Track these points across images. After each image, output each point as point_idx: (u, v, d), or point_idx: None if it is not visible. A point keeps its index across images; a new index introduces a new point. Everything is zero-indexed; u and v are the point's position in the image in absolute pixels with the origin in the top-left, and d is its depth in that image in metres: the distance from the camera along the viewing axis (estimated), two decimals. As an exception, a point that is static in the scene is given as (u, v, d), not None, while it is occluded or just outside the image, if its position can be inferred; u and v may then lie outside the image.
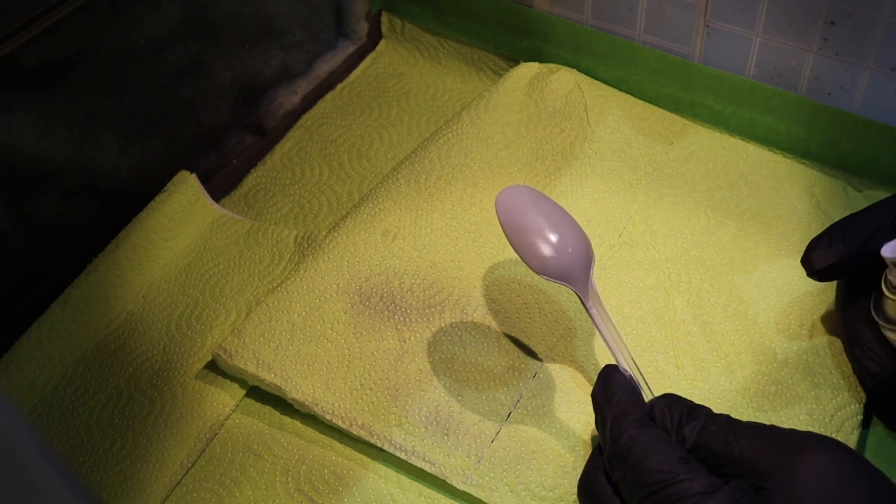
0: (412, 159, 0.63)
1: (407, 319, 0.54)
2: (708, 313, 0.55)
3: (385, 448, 0.49)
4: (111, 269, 0.60)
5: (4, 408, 0.21)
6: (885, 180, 0.62)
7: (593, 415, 0.46)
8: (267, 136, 0.72)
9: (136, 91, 0.61)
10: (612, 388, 0.45)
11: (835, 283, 0.54)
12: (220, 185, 0.68)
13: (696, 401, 0.45)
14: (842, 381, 0.51)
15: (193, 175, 0.65)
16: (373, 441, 0.49)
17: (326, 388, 0.51)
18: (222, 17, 0.66)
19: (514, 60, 0.74)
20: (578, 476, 0.46)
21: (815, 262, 0.50)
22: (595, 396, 0.46)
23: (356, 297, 0.55)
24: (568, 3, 0.69)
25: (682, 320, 0.55)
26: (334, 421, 0.50)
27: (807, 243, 0.51)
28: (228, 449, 0.51)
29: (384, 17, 0.79)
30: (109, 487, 0.50)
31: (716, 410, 0.44)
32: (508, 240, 0.48)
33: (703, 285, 0.57)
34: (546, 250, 0.47)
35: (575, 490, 0.47)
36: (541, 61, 0.71)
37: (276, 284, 0.58)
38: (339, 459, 0.50)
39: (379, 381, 0.51)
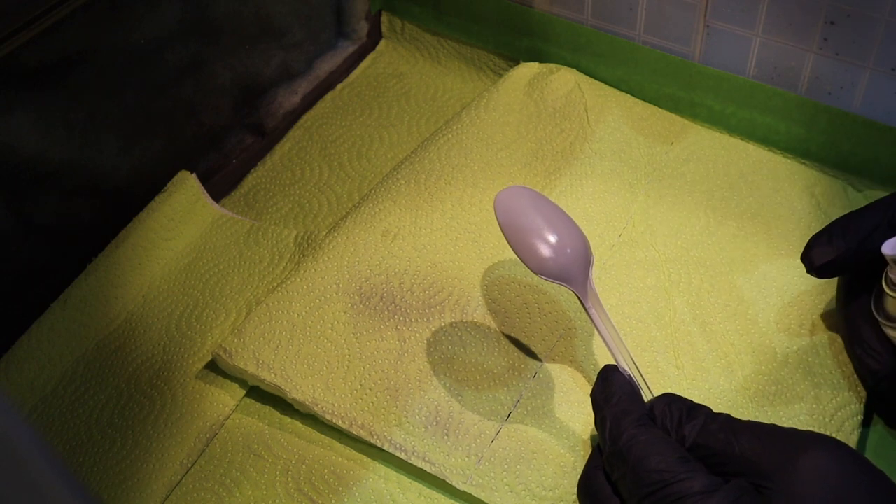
0: (412, 159, 0.63)
1: (407, 319, 0.54)
2: (708, 313, 0.55)
3: (385, 448, 0.49)
4: (111, 269, 0.60)
5: (4, 408, 0.21)
6: (885, 180, 0.62)
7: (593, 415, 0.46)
8: (267, 136, 0.72)
9: (136, 91, 0.61)
10: (612, 389, 0.45)
11: (835, 282, 0.54)
12: (220, 185, 0.68)
13: (696, 401, 0.45)
14: (842, 380, 0.51)
15: (193, 175, 0.65)
16: (373, 441, 0.49)
17: (326, 388, 0.51)
18: (222, 17, 0.66)
19: (514, 60, 0.74)
20: (578, 476, 0.46)
21: (815, 258, 0.50)
22: (594, 396, 0.46)
23: (356, 297, 0.55)
24: (568, 3, 0.69)
25: (682, 320, 0.55)
26: (334, 421, 0.50)
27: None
28: (228, 449, 0.51)
29: (384, 17, 0.79)
30: (109, 487, 0.50)
31: (716, 410, 0.44)
32: (507, 240, 0.48)
33: (703, 285, 0.57)
34: (545, 251, 0.47)
35: (575, 490, 0.47)
36: (541, 61, 0.71)
37: (276, 284, 0.58)
38: (339, 459, 0.50)
39: (379, 381, 0.51)
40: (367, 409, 0.50)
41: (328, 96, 0.75)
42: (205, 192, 0.65)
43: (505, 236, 0.48)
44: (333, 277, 0.56)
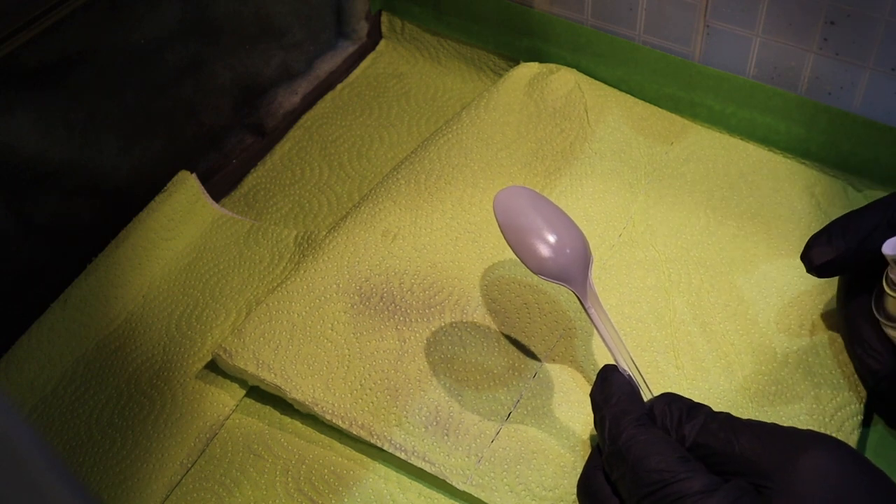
0: (412, 159, 0.63)
1: (407, 319, 0.54)
2: (708, 313, 0.55)
3: (385, 448, 0.49)
4: (111, 269, 0.60)
5: (4, 408, 0.21)
6: (885, 180, 0.62)
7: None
8: (267, 136, 0.72)
9: (136, 91, 0.61)
10: (611, 389, 0.45)
11: (835, 282, 0.54)
12: (220, 185, 0.68)
13: (696, 400, 0.45)
14: (842, 380, 0.51)
15: (193, 175, 0.65)
16: (373, 441, 0.49)
17: (326, 388, 0.51)
18: (222, 17, 0.66)
19: (514, 60, 0.74)
20: (578, 476, 0.46)
21: (815, 258, 0.50)
22: (594, 397, 0.46)
23: (356, 297, 0.55)
24: (568, 3, 0.69)
25: (682, 320, 0.55)
26: (334, 421, 0.50)
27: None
28: (228, 449, 0.51)
29: (384, 17, 0.79)
30: (109, 487, 0.50)
31: (716, 410, 0.44)
32: (507, 241, 0.48)
33: (703, 285, 0.57)
34: (544, 251, 0.47)
35: (575, 490, 0.47)
36: (541, 61, 0.71)
37: (276, 284, 0.58)
38: (339, 459, 0.50)
39: (379, 381, 0.51)
40: (367, 409, 0.50)
41: (328, 96, 0.75)
42: (205, 192, 0.65)
43: (504, 236, 0.48)
44: (333, 277, 0.56)
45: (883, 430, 0.51)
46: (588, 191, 0.62)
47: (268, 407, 0.53)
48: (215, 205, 0.65)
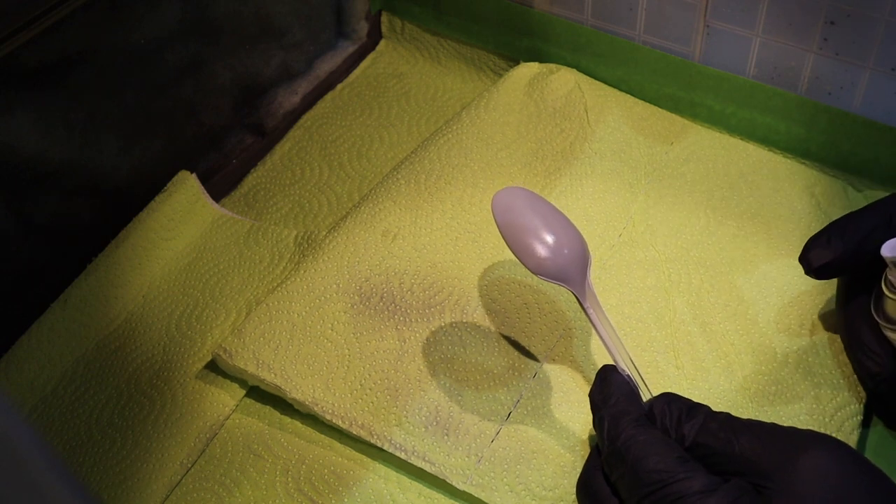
0: (412, 159, 0.63)
1: (407, 319, 0.54)
2: (708, 313, 0.55)
3: (385, 448, 0.49)
4: (111, 269, 0.60)
5: (4, 408, 0.21)
6: (885, 180, 0.62)
7: (593, 415, 0.46)
8: (267, 136, 0.72)
9: (136, 91, 0.61)
10: (610, 389, 0.45)
11: (835, 282, 0.54)
12: (220, 185, 0.68)
13: (696, 400, 0.45)
14: (842, 380, 0.51)
15: (193, 175, 0.65)
16: (373, 441, 0.49)
17: (326, 388, 0.51)
18: (222, 17, 0.66)
19: (514, 60, 0.74)
20: (578, 476, 0.46)
21: (813, 259, 0.50)
22: (593, 397, 0.46)
23: (356, 297, 0.55)
24: (568, 3, 0.69)
25: (682, 320, 0.55)
26: (334, 421, 0.50)
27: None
28: (228, 449, 0.51)
29: (384, 17, 0.79)
30: (109, 487, 0.50)
31: (716, 410, 0.44)
32: (505, 241, 0.48)
33: (703, 285, 0.57)
34: (542, 251, 0.47)
35: (574, 490, 0.47)
36: (541, 61, 0.71)
37: (276, 284, 0.58)
38: (339, 459, 0.50)
39: (379, 381, 0.51)
40: (367, 409, 0.50)
41: (328, 96, 0.75)
42: (205, 192, 0.65)
43: (503, 236, 0.48)
44: (333, 277, 0.56)
45: (883, 431, 0.51)
46: (588, 191, 0.62)
47: (268, 407, 0.53)
48: (215, 205, 0.65)
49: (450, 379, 0.51)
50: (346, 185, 0.67)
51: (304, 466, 0.50)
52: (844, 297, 0.51)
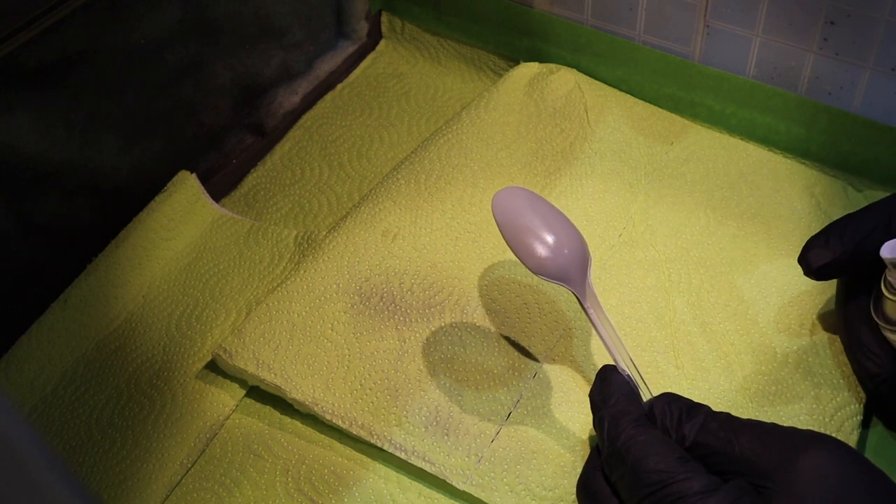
0: (412, 159, 0.63)
1: (407, 319, 0.54)
2: (708, 313, 0.55)
3: (385, 448, 0.49)
4: (111, 269, 0.60)
5: (4, 408, 0.21)
6: (885, 180, 0.62)
7: (593, 415, 0.46)
8: (267, 136, 0.72)
9: (136, 91, 0.61)
10: (610, 389, 0.45)
11: (835, 282, 0.54)
12: (220, 185, 0.68)
13: (696, 400, 0.45)
14: (842, 380, 0.51)
15: (193, 175, 0.65)
16: (373, 441, 0.49)
17: (326, 388, 0.51)
18: (222, 17, 0.66)
19: (514, 60, 0.74)
20: (578, 476, 0.46)
21: (812, 260, 0.50)
22: (593, 397, 0.46)
23: (356, 297, 0.55)
24: (568, 3, 0.69)
25: (682, 320, 0.55)
26: (334, 421, 0.50)
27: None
28: (228, 449, 0.51)
29: (384, 17, 0.79)
30: (109, 487, 0.50)
31: (716, 410, 0.44)
32: (505, 241, 0.48)
33: (703, 285, 0.57)
34: (542, 251, 0.47)
35: (574, 490, 0.47)
36: (541, 61, 0.71)
37: (276, 284, 0.58)
38: (339, 459, 0.50)
39: (379, 381, 0.51)
40: (367, 409, 0.50)
41: (328, 96, 0.75)
42: (205, 192, 0.65)
43: (503, 237, 0.48)
44: (333, 277, 0.56)
45: (883, 431, 0.51)
46: (588, 191, 0.62)
47: (268, 407, 0.53)
48: (215, 205, 0.65)
49: (450, 379, 0.51)
50: (346, 185, 0.67)
51: (304, 466, 0.50)
52: (844, 298, 0.51)
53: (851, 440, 0.49)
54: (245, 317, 0.57)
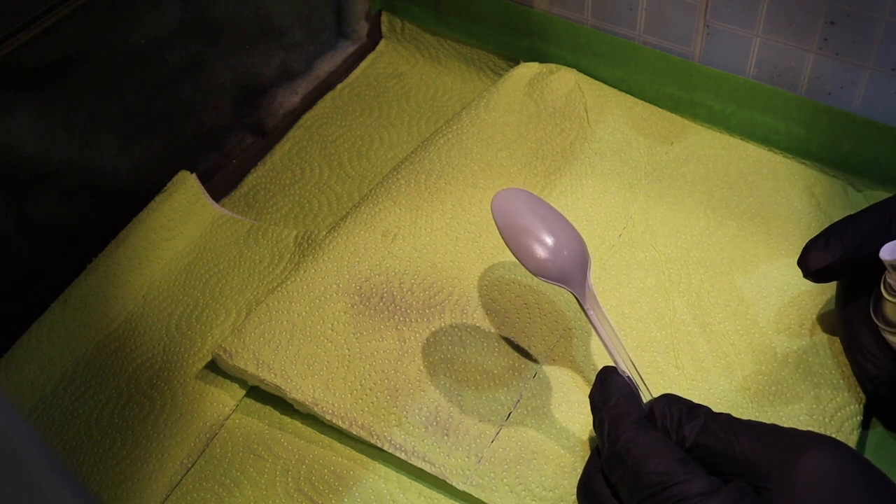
0: (412, 159, 0.63)
1: (407, 319, 0.54)
2: (708, 313, 0.55)
3: (385, 448, 0.49)
4: (111, 269, 0.60)
5: (4, 408, 0.21)
6: (885, 180, 0.62)
7: (593, 415, 0.46)
8: (267, 136, 0.72)
9: (136, 91, 0.61)
10: (610, 390, 0.45)
11: (835, 283, 0.53)
12: (220, 185, 0.68)
13: (696, 401, 0.45)
14: (842, 381, 0.51)
15: (193, 175, 0.65)
16: (373, 441, 0.49)
17: (326, 388, 0.51)
18: (222, 17, 0.66)
19: (514, 60, 0.74)
20: (578, 476, 0.46)
21: (812, 263, 0.50)
22: (593, 398, 0.46)
23: (356, 297, 0.55)
24: (568, 3, 0.69)
25: (682, 320, 0.55)
26: (334, 421, 0.50)
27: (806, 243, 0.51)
28: (228, 449, 0.51)
29: (384, 17, 0.79)
30: (109, 487, 0.50)
31: (716, 410, 0.44)
32: (505, 242, 0.48)
33: (703, 285, 0.57)
34: (542, 252, 0.47)
35: (575, 490, 0.47)
36: (541, 61, 0.71)
37: (276, 284, 0.58)
38: (339, 459, 0.50)
39: (379, 381, 0.51)
40: (367, 409, 0.50)
41: (328, 96, 0.75)
42: (205, 192, 0.65)
43: (503, 238, 0.48)
44: (333, 277, 0.56)
45: (882, 431, 0.51)
46: (588, 191, 0.62)
47: (268, 407, 0.53)
48: (215, 205, 0.65)
49: (450, 379, 0.51)
50: (346, 185, 0.67)
51: (304, 466, 0.50)
52: (844, 300, 0.51)
53: (851, 440, 0.49)
54: (245, 317, 0.57)
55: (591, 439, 0.49)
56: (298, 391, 0.51)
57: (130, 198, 0.63)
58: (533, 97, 0.68)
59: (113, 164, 0.62)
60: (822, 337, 0.53)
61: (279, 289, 0.56)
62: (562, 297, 0.56)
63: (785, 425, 0.42)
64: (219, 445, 0.52)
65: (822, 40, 0.60)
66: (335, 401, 0.51)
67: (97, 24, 0.57)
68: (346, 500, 0.49)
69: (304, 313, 0.54)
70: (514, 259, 0.56)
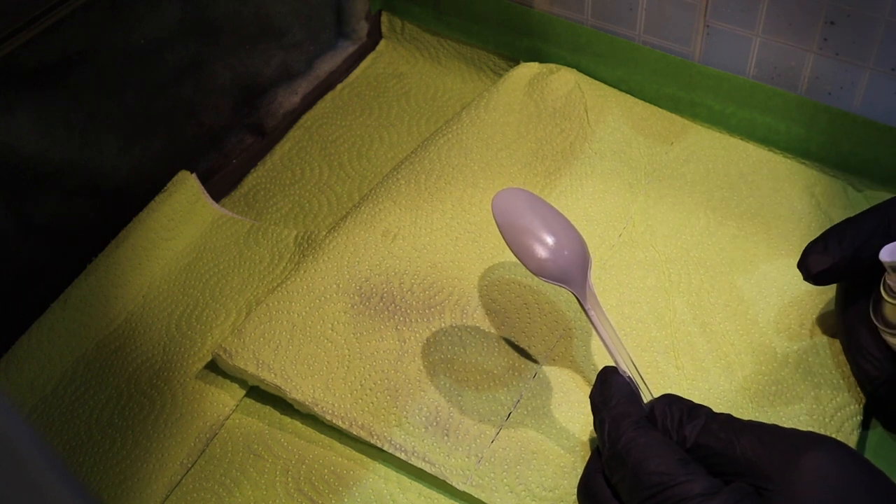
0: (412, 159, 0.63)
1: (407, 319, 0.54)
2: (708, 313, 0.55)
3: (385, 448, 0.49)
4: (111, 269, 0.60)
5: (4, 408, 0.21)
6: (885, 180, 0.62)
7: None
8: (267, 136, 0.72)
9: (136, 91, 0.61)
10: (610, 391, 0.45)
11: (835, 284, 0.53)
12: (220, 185, 0.68)
13: (697, 401, 0.45)
14: (842, 381, 0.51)
15: (193, 175, 0.65)
16: (373, 441, 0.49)
17: (326, 388, 0.51)
18: (222, 17, 0.66)
19: (514, 60, 0.74)
20: (578, 477, 0.46)
21: (812, 265, 0.50)
22: (593, 399, 0.46)
23: (356, 297, 0.55)
24: (568, 3, 0.69)
25: (682, 320, 0.55)
26: (334, 421, 0.50)
27: (807, 243, 0.51)
28: (228, 449, 0.51)
29: (384, 17, 0.79)
30: (109, 487, 0.50)
31: (716, 410, 0.44)
32: (506, 242, 0.48)
33: (703, 285, 0.57)
34: (543, 252, 0.47)
35: (575, 491, 0.47)
36: (541, 61, 0.71)
37: (276, 284, 0.58)
38: (339, 459, 0.50)
39: (379, 381, 0.51)
40: (367, 409, 0.50)
41: (328, 96, 0.75)
42: (205, 192, 0.65)
43: (503, 238, 0.48)
44: (333, 277, 0.56)
45: (882, 431, 0.51)
46: (588, 191, 0.62)
47: (268, 407, 0.53)
48: (215, 205, 0.65)
49: (450, 379, 0.51)
50: (346, 185, 0.67)
51: (304, 466, 0.50)
52: (843, 302, 0.51)
53: (851, 441, 0.49)
54: (245, 317, 0.57)
55: (591, 440, 0.49)
56: (298, 391, 0.51)
57: (130, 198, 0.63)
58: (533, 97, 0.68)
59: (113, 164, 0.62)
60: (822, 337, 0.53)
61: (279, 289, 0.56)
62: (562, 297, 0.56)
63: (785, 425, 0.42)
64: (219, 445, 0.52)
65: (822, 40, 0.60)
66: (335, 401, 0.51)
67: (97, 24, 0.57)
68: (346, 500, 0.49)
69: (304, 313, 0.54)
70: (514, 259, 0.56)
